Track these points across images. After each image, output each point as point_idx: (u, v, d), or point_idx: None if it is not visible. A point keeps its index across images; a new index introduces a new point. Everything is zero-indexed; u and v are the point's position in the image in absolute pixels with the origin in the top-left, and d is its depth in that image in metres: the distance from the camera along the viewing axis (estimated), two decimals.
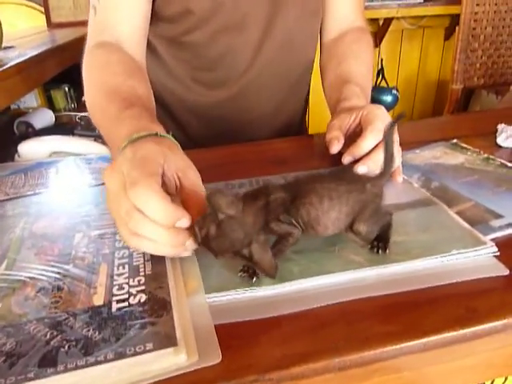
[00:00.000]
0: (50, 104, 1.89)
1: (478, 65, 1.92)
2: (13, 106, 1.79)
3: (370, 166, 0.59)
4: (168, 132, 0.52)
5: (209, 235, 0.41)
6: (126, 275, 0.44)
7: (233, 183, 0.65)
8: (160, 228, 0.40)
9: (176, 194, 0.46)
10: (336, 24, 0.90)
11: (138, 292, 0.41)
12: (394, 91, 2.64)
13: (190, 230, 0.42)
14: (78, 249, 0.49)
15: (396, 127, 0.62)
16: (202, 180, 0.48)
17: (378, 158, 0.59)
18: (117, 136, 0.51)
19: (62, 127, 1.55)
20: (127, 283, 0.43)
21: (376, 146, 0.60)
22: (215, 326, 0.39)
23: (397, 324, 0.39)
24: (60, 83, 1.84)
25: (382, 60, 2.78)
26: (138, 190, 0.39)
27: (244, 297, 0.42)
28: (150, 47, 0.83)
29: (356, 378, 0.38)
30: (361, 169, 0.60)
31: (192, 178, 0.46)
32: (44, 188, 0.66)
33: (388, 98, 2.61)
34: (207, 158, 0.73)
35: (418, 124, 1.03)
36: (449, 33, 2.86)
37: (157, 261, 0.46)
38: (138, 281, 0.43)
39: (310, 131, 1.12)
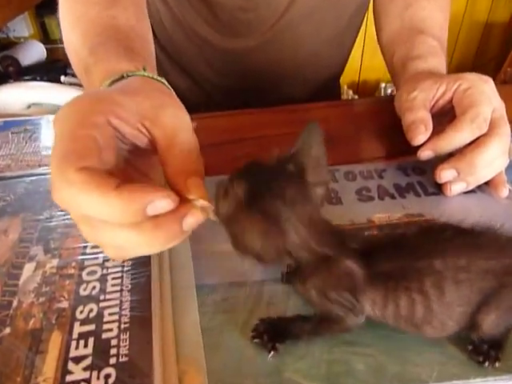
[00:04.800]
0: (45, 34, 1.64)
1: None
2: (1, 35, 1.56)
3: (463, 171, 0.40)
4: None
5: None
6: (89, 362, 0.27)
7: None
8: (122, 230, 0.25)
9: (150, 154, 0.30)
10: None
11: None
12: None
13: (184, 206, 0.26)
14: (23, 296, 0.32)
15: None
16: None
17: (477, 161, 0.39)
18: None
19: (53, 64, 1.33)
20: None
21: (475, 140, 0.40)
22: None
23: None
24: (56, 9, 1.59)
25: None
26: (60, 195, 0.25)
27: None
28: None
29: None
30: (424, 154, 0.41)
31: (169, 123, 0.29)
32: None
33: None
34: (218, 128, 0.54)
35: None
36: None
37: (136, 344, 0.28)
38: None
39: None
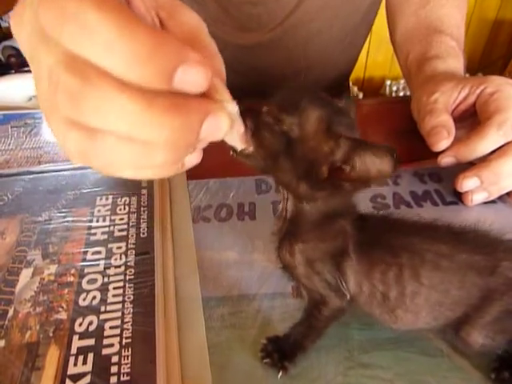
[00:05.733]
0: None
1: None
2: (3, 24, 1.53)
3: (487, 180, 0.38)
4: None
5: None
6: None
7: None
8: (125, 96, 0.17)
9: None
10: None
11: None
12: None
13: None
14: (19, 305, 0.30)
15: None
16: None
17: (502, 170, 0.37)
18: None
19: None
20: None
21: (500, 148, 0.38)
22: None
23: None
24: None
25: None
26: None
27: None
28: None
29: None
30: (446, 161, 0.39)
31: (189, 21, 0.23)
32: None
33: None
34: None
35: None
36: None
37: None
38: None
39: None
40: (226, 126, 0.19)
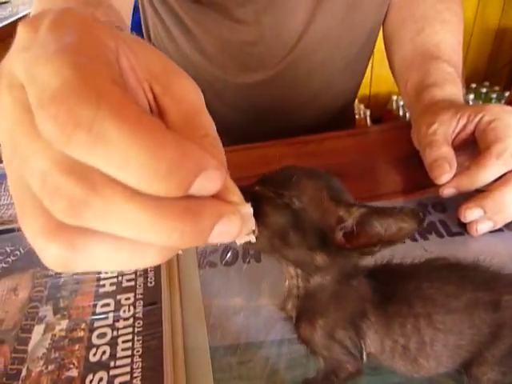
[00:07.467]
0: None
1: None
2: None
3: (491, 209, 0.37)
4: None
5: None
6: None
7: None
8: (135, 205, 0.15)
9: None
10: None
11: None
12: None
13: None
14: (31, 364, 0.31)
15: None
16: None
17: (505, 199, 0.37)
18: None
19: None
20: None
21: (502, 176, 0.38)
22: None
23: None
24: None
25: None
26: (71, 106, 0.14)
27: None
28: (175, 15, 0.61)
29: None
30: (447, 192, 0.39)
31: (187, 97, 0.20)
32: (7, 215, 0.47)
33: None
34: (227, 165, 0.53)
35: None
36: None
37: None
38: None
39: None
40: (238, 229, 0.18)
